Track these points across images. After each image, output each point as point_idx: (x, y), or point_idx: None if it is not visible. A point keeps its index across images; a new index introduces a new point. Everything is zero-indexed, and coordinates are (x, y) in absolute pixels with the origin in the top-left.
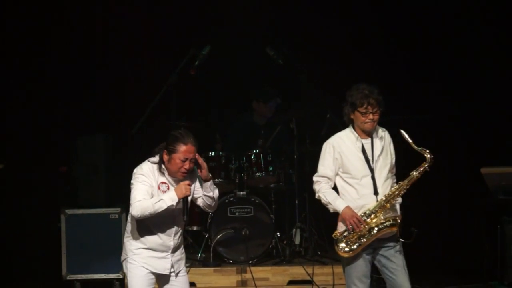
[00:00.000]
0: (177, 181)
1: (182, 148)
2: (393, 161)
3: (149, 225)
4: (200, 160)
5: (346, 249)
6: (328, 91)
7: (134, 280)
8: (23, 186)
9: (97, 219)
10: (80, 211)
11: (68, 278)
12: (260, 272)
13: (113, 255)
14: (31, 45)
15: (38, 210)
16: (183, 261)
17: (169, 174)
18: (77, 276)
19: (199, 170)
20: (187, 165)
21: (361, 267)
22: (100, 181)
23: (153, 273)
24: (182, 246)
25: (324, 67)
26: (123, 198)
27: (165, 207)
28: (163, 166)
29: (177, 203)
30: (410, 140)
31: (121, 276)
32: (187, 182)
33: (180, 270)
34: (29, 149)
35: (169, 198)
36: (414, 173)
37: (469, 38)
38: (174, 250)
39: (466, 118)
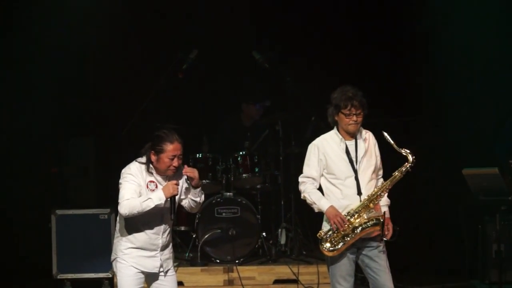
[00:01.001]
0: (165, 180)
1: (169, 147)
2: (378, 162)
3: (138, 223)
4: (190, 171)
5: (331, 249)
6: (313, 94)
7: (123, 280)
8: (14, 187)
9: (87, 219)
10: (70, 212)
11: (58, 277)
12: (246, 271)
13: (102, 255)
14: (21, 47)
15: (29, 210)
16: (172, 260)
17: (158, 173)
18: (67, 275)
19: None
20: (175, 162)
21: (345, 266)
22: (90, 182)
23: (143, 272)
24: (170, 245)
25: (309, 70)
26: (113, 198)
27: (152, 205)
28: (150, 166)
29: (165, 202)
30: (392, 142)
31: (111, 275)
32: (175, 181)
33: (169, 269)
34: (21, 150)
35: (157, 197)
36: (397, 173)
37: (449, 41)
38: (163, 249)
39: (450, 120)
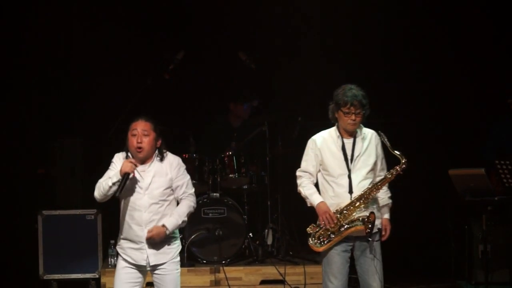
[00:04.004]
0: (145, 166)
1: (133, 124)
2: (379, 163)
3: (125, 214)
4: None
5: (318, 244)
6: (300, 95)
7: (116, 272)
8: (0, 187)
9: (74, 220)
10: (57, 212)
11: (45, 277)
12: (233, 271)
13: (89, 255)
14: (9, 48)
15: (16, 211)
16: (168, 256)
17: (135, 159)
18: (54, 276)
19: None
20: (139, 139)
21: (336, 264)
22: (77, 182)
23: (134, 266)
24: (170, 241)
25: (297, 71)
26: None
27: (110, 183)
28: (129, 154)
29: (146, 189)
30: (388, 144)
31: (97, 276)
32: (132, 160)
33: (161, 266)
34: (8, 151)
35: (114, 175)
36: (387, 175)
37: (440, 43)
38: (151, 243)
39: (435, 121)
